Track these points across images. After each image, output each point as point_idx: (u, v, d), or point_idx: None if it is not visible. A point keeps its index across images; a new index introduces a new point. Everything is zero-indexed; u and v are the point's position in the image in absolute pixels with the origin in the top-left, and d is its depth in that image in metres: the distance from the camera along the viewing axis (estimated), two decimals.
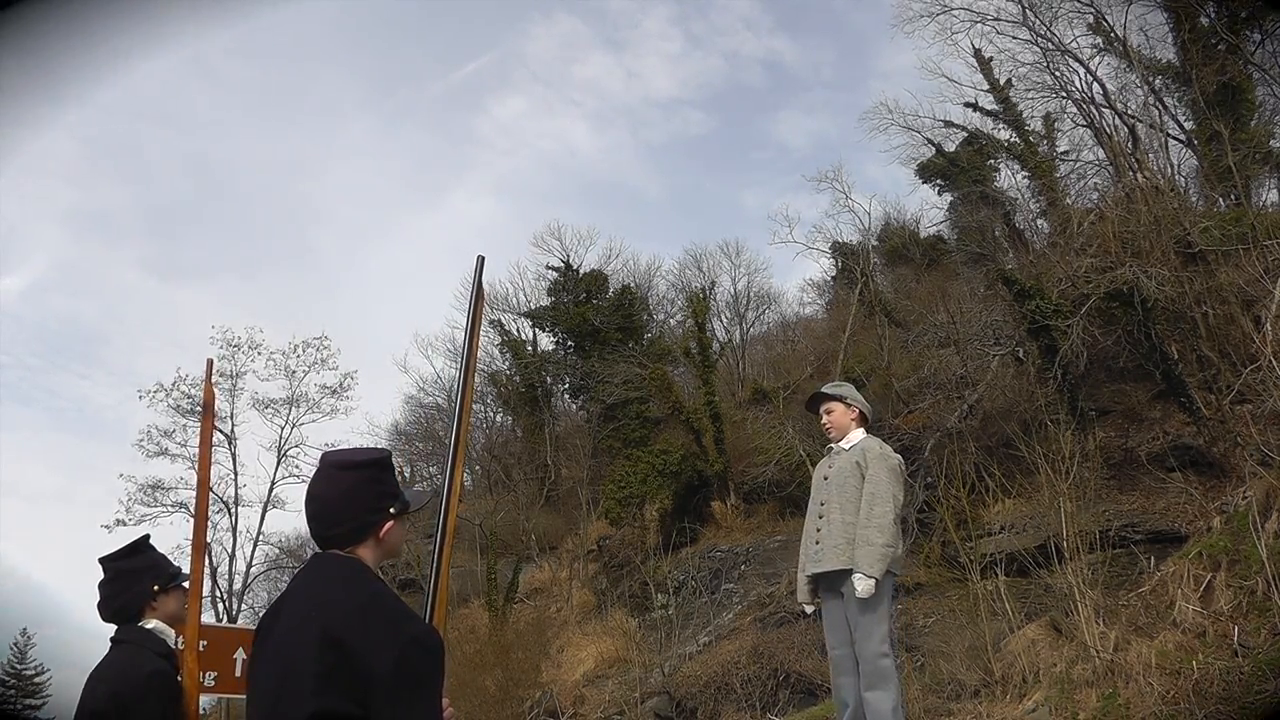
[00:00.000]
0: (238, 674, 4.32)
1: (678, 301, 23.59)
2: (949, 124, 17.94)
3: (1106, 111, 14.22)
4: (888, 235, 20.63)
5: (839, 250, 20.39)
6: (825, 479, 4.45)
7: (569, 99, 42.81)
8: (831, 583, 4.26)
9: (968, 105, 17.41)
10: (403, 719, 1.58)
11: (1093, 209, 12.77)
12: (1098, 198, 13.65)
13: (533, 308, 23.74)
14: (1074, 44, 14.69)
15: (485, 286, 2.59)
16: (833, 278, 21.95)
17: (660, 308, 24.47)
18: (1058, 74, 14.87)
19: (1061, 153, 16.65)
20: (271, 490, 20.88)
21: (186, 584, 3.07)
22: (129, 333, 38.35)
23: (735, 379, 20.87)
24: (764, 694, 10.38)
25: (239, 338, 20.39)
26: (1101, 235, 10.83)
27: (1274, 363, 7.64)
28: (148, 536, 3.08)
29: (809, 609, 4.49)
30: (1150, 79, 13.64)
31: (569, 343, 22.97)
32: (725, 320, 23.72)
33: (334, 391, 21.37)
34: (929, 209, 21.78)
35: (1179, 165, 13.52)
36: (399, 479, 2.20)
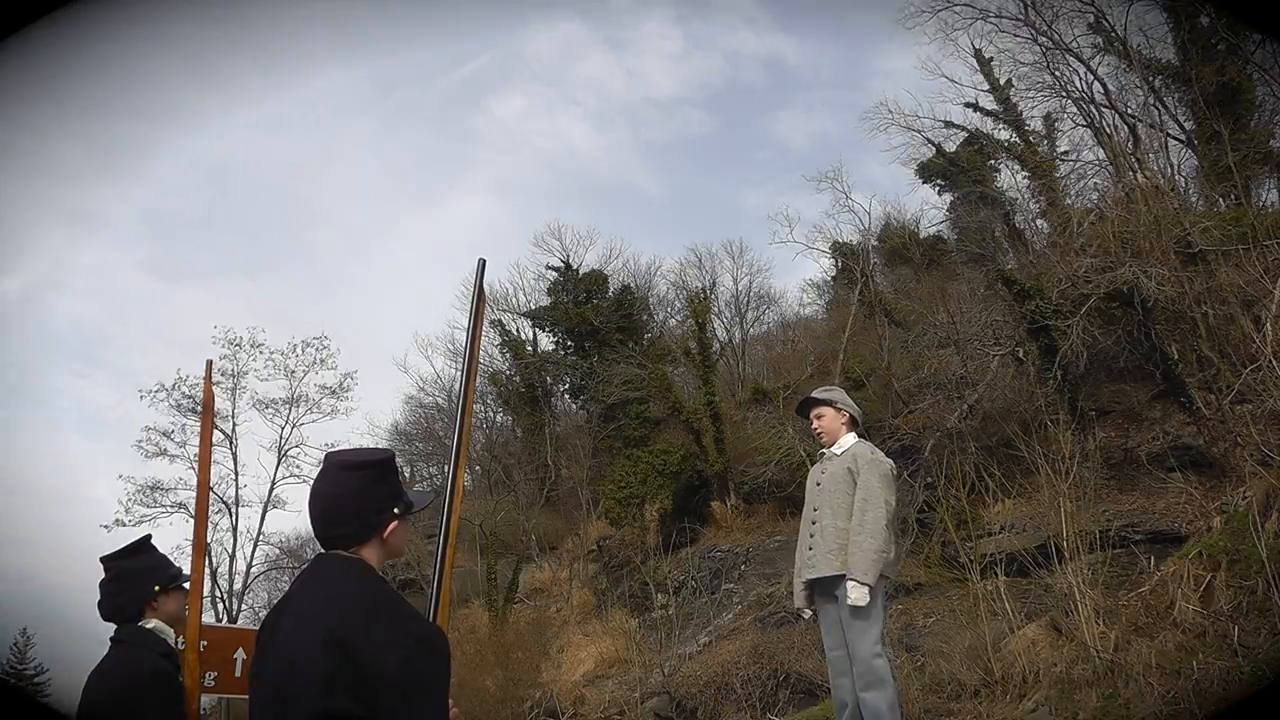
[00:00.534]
0: (238, 674, 4.33)
1: (678, 301, 23.61)
2: (949, 124, 17.95)
3: (1106, 111, 14.22)
4: (888, 235, 20.63)
5: (839, 250, 20.39)
6: (818, 485, 4.50)
7: (569, 98, 42.83)
8: (826, 587, 4.31)
9: (968, 105, 17.43)
10: None
11: (1093, 209, 12.77)
12: (1098, 198, 13.66)
13: (533, 308, 23.75)
14: (1074, 43, 14.69)
15: (486, 288, 2.60)
16: (833, 278, 21.96)
17: (660, 307, 24.50)
18: (1058, 73, 14.87)
19: (1061, 153, 16.65)
20: (272, 490, 20.91)
21: (187, 584, 3.08)
22: (129, 333, 38.36)
23: (735, 379, 20.88)
24: (764, 694, 10.38)
25: (240, 337, 20.42)
26: (1101, 235, 10.83)
27: (1274, 363, 7.64)
28: (149, 537, 3.09)
29: (806, 614, 4.55)
30: (1150, 79, 13.64)
31: (569, 343, 22.97)
32: (726, 320, 23.75)
33: (333, 392, 21.40)
34: (929, 209, 21.77)
35: (1179, 165, 13.54)
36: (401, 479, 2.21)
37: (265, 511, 20.75)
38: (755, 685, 10.45)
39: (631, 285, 23.51)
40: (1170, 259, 9.87)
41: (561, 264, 23.46)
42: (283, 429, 21.30)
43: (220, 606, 19.59)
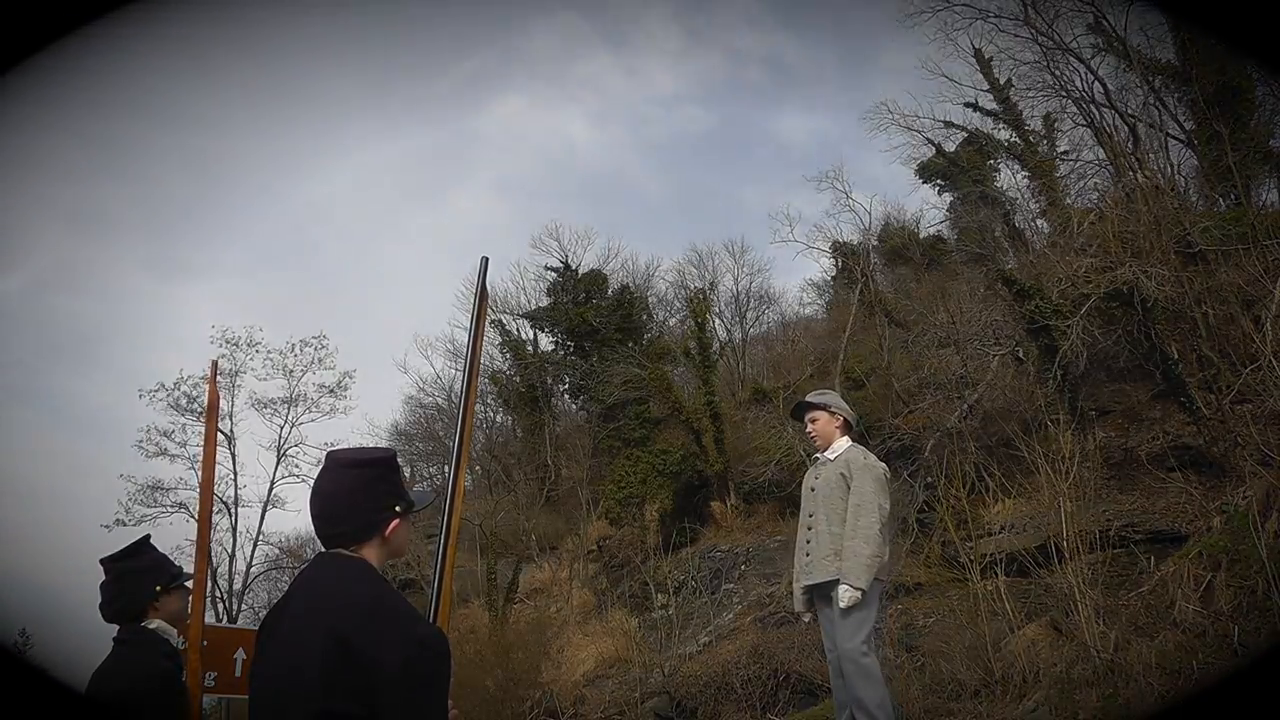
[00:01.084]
0: (238, 674, 4.33)
1: (678, 301, 23.61)
2: (949, 124, 17.95)
3: (1106, 111, 14.21)
4: (888, 235, 20.63)
5: (839, 250, 20.40)
6: (812, 490, 4.56)
7: (569, 96, 42.76)
8: (824, 592, 4.37)
9: (968, 105, 17.42)
10: None
11: (1093, 209, 12.77)
12: (1098, 198, 13.65)
13: (532, 308, 23.75)
14: (1074, 43, 14.69)
15: (488, 287, 2.59)
16: (833, 278, 21.96)
17: (660, 307, 24.49)
18: (1058, 73, 14.86)
19: (1061, 152, 16.65)
20: (271, 490, 20.90)
21: (188, 583, 3.08)
22: (129, 332, 38.32)
23: (735, 379, 20.87)
24: (764, 694, 10.38)
25: (238, 336, 20.39)
26: (1101, 235, 10.83)
27: (1274, 363, 7.65)
28: (148, 537, 3.09)
29: (806, 618, 4.62)
30: (1150, 79, 13.63)
31: (569, 343, 22.96)
32: (726, 320, 23.74)
33: (332, 391, 21.38)
34: (929, 209, 21.77)
35: (1179, 165, 13.52)
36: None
37: (265, 511, 20.77)
38: (755, 685, 10.45)
39: (631, 285, 23.52)
40: (1170, 259, 9.87)
41: (560, 264, 23.47)
42: (281, 429, 21.32)
43: (220, 606, 19.59)
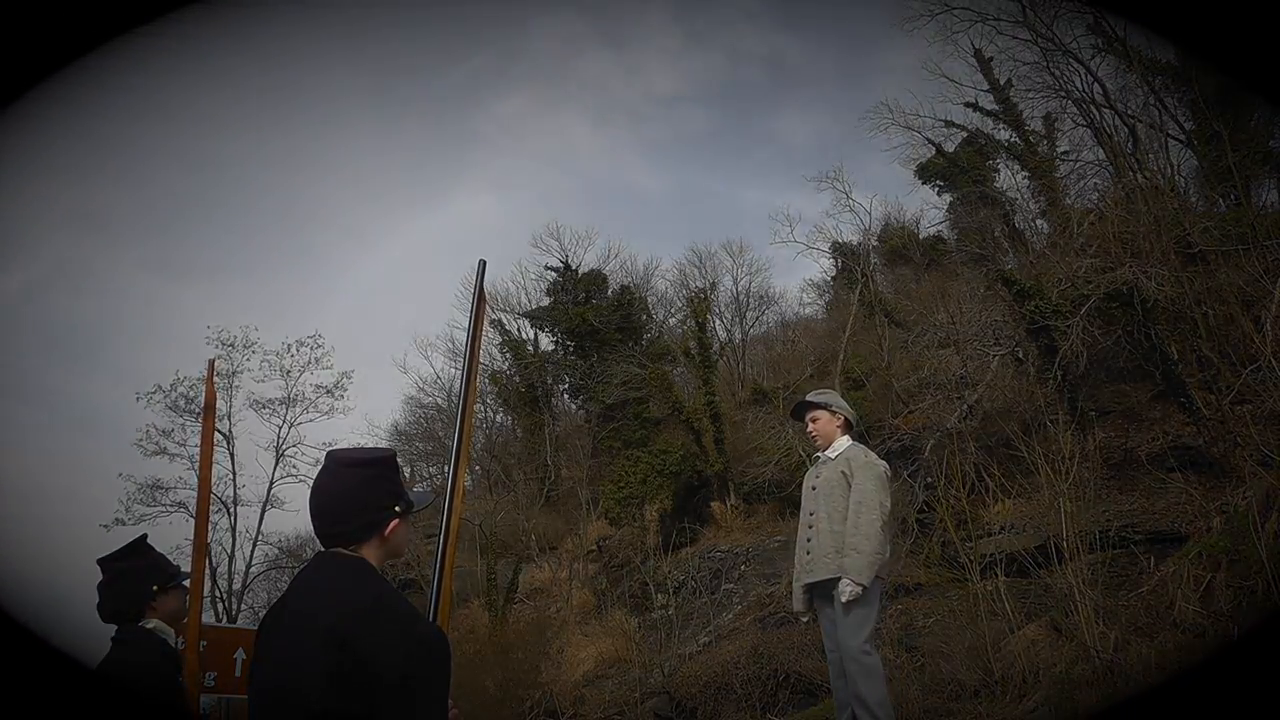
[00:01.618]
0: (238, 674, 4.33)
1: (678, 301, 23.61)
2: (949, 124, 17.96)
3: (1106, 111, 14.21)
4: (888, 235, 20.64)
5: (839, 250, 20.41)
6: (813, 489, 4.56)
7: (569, 96, 42.75)
8: (825, 590, 4.37)
9: (968, 105, 17.42)
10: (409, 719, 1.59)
11: (1093, 209, 12.78)
12: (1098, 198, 13.66)
13: (533, 308, 23.76)
14: (1074, 44, 14.69)
15: (486, 288, 2.60)
16: (832, 278, 21.97)
17: (660, 307, 24.49)
18: (1058, 74, 14.87)
19: (1061, 153, 16.65)
20: (270, 490, 20.89)
21: (186, 583, 3.08)
22: (129, 332, 38.31)
23: (735, 379, 20.88)
24: (764, 694, 10.38)
25: (234, 336, 20.34)
26: (1101, 235, 10.84)
27: (1274, 363, 7.66)
28: (145, 537, 3.09)
29: (804, 618, 4.62)
30: (1150, 79, 13.63)
31: (569, 343, 22.97)
32: (726, 320, 23.74)
33: (329, 391, 21.36)
34: (929, 209, 21.78)
35: (1179, 165, 13.51)
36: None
37: (264, 511, 20.76)
38: (755, 685, 10.44)
39: (630, 285, 23.52)
40: (1170, 259, 9.87)
41: (561, 264, 23.48)
42: (280, 429, 21.30)
43: (220, 606, 19.59)
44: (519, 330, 24.06)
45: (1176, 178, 13.01)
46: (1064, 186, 15.90)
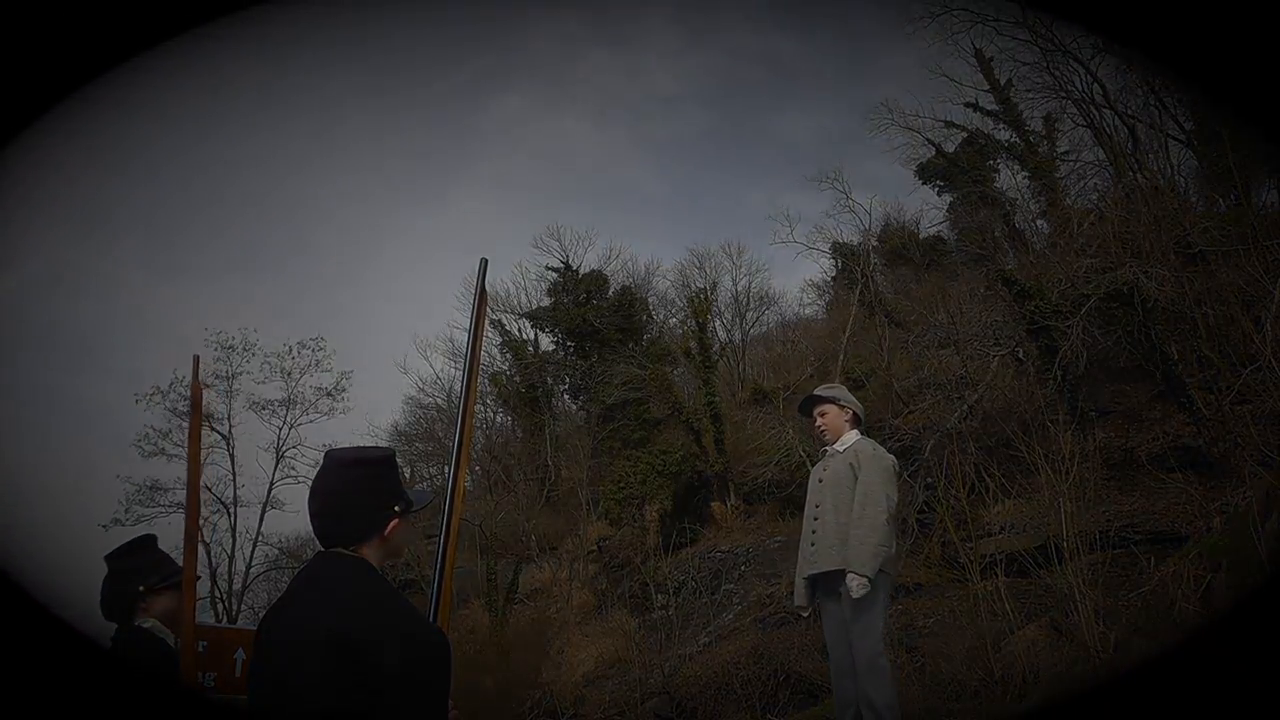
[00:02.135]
0: (238, 674, 4.33)
1: (678, 301, 23.59)
2: (949, 124, 17.96)
3: (1106, 111, 14.21)
4: (888, 235, 20.62)
5: (839, 250, 20.40)
6: (820, 482, 4.49)
7: (569, 96, 42.74)
8: (829, 584, 4.29)
9: (968, 105, 17.43)
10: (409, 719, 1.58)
11: (1093, 209, 12.78)
12: (1098, 198, 13.66)
13: (533, 308, 23.75)
14: (1074, 44, 14.68)
15: (487, 288, 2.60)
16: (833, 278, 21.95)
17: (660, 308, 24.48)
18: (1058, 74, 14.86)
19: (1061, 153, 16.65)
20: (270, 491, 20.90)
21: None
22: (129, 332, 38.30)
23: (735, 379, 20.87)
24: (764, 694, 10.38)
25: (232, 339, 20.30)
26: (1101, 235, 10.84)
27: (1274, 363, 7.65)
28: (149, 536, 3.08)
29: (804, 613, 4.56)
30: (1150, 79, 13.63)
31: (569, 343, 22.96)
32: (726, 320, 23.73)
33: (329, 393, 21.36)
34: (929, 209, 21.78)
35: (1179, 165, 13.51)
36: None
37: (264, 512, 20.77)
38: (755, 686, 10.44)
39: (631, 285, 23.52)
40: (1170, 259, 9.87)
41: (561, 264, 23.47)
42: (280, 430, 21.29)
43: (220, 607, 19.60)
44: (519, 331, 24.05)
45: (1176, 178, 13.01)
46: (1064, 187, 15.90)
